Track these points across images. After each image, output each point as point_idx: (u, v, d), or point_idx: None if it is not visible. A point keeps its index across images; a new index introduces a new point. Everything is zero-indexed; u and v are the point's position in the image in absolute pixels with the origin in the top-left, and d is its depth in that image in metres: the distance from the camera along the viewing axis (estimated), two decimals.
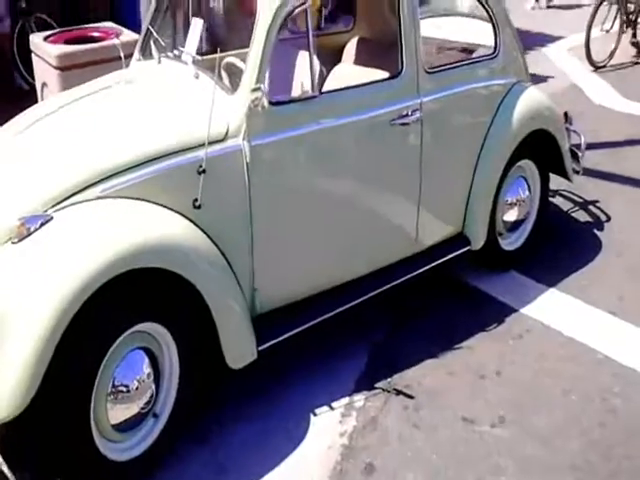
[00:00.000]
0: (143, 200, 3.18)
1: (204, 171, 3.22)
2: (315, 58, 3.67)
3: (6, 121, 3.88)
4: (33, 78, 6.47)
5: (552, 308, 4.47)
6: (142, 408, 3.13)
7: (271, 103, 3.40)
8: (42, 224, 2.96)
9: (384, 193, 3.98)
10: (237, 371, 3.41)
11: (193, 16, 3.95)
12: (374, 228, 3.98)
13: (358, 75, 4.10)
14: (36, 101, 5.88)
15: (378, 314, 4.35)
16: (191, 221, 3.26)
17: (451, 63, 4.37)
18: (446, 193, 4.35)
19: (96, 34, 6.25)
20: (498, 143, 4.47)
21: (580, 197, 5.79)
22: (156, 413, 3.24)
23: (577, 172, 5.15)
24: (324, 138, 3.65)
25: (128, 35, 6.02)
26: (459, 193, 4.44)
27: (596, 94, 8.30)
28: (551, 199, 5.61)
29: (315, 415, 3.61)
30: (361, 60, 4.66)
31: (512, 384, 3.85)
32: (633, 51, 9.62)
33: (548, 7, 12.77)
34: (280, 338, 3.54)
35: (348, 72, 4.37)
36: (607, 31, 9.39)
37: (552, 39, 10.57)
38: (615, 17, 9.43)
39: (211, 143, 3.25)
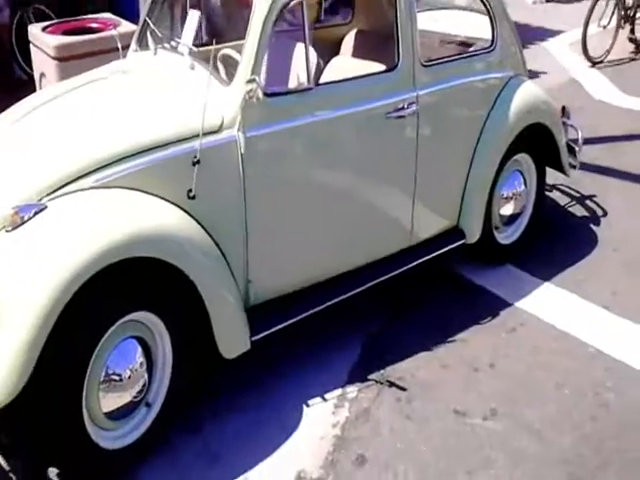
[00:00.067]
0: (137, 190, 3.19)
1: (198, 162, 3.23)
2: (312, 50, 3.69)
3: (4, 111, 3.89)
4: (32, 69, 6.48)
5: (546, 302, 4.49)
6: (134, 397, 3.15)
7: (266, 95, 3.40)
8: (36, 213, 2.98)
9: (379, 186, 3.99)
10: (231, 361, 3.43)
11: (190, 8, 3.96)
12: (369, 220, 4.00)
13: (355, 67, 4.12)
14: (34, 91, 5.88)
15: (373, 306, 4.37)
16: (185, 212, 3.27)
17: (448, 56, 4.39)
18: (442, 186, 4.36)
19: (94, 25, 6.27)
20: (494, 137, 4.48)
21: (577, 192, 5.80)
22: (149, 402, 3.26)
23: (574, 167, 5.15)
24: (320, 130, 3.66)
25: (126, 26, 6.03)
26: (455, 186, 4.46)
27: (596, 89, 8.30)
28: (548, 193, 5.63)
29: (308, 406, 3.64)
30: (359, 52, 4.67)
31: (505, 377, 3.87)
32: (631, 47, 9.60)
33: (548, 1, 12.75)
34: (273, 329, 3.56)
35: (345, 64, 4.39)
36: (604, 27, 9.37)
37: (552, 33, 10.57)
38: (612, 13, 9.41)
39: (206, 134, 3.26)
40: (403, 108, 3.94)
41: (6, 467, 3.15)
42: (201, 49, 3.83)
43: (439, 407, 3.66)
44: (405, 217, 4.18)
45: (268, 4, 3.43)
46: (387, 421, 3.56)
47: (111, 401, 3.08)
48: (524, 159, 4.86)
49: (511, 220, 4.90)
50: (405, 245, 4.25)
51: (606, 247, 5.09)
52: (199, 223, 3.31)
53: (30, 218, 2.97)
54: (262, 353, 3.66)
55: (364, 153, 3.86)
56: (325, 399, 3.68)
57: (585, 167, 5.94)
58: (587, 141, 5.78)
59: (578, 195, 5.77)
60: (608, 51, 9.21)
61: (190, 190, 3.25)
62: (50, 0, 7.92)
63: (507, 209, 4.82)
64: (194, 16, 3.84)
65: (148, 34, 4.07)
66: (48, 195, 3.07)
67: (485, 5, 4.54)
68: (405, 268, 4.19)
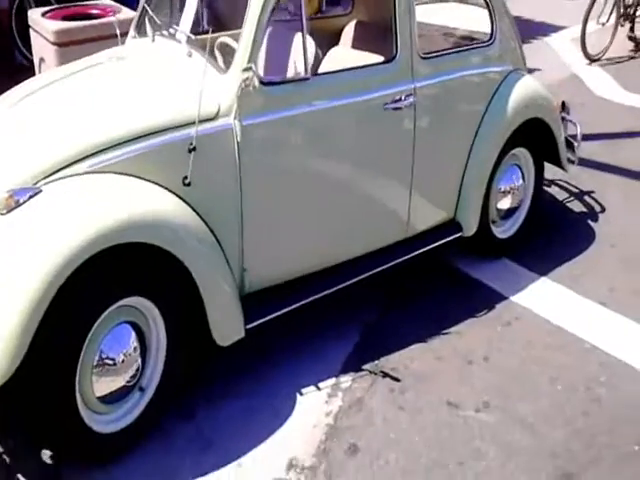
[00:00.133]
0: (132, 176, 3.21)
1: (194, 149, 3.26)
2: (310, 40, 3.72)
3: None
4: (32, 54, 6.49)
5: (542, 297, 4.52)
6: (128, 381, 3.18)
7: (263, 83, 3.44)
8: (30, 197, 3.01)
9: (376, 177, 4.02)
10: (226, 349, 3.46)
11: None
12: (365, 211, 4.02)
13: (353, 58, 4.14)
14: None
15: (369, 296, 4.41)
16: (180, 199, 3.30)
17: (447, 49, 4.41)
18: (439, 179, 4.39)
19: (94, 11, 6.30)
20: (492, 130, 4.51)
21: (575, 187, 5.83)
22: (142, 387, 3.29)
23: (572, 162, 5.17)
24: (316, 120, 3.68)
25: (126, 13, 6.05)
26: (452, 179, 4.48)
27: (597, 85, 8.32)
28: (546, 188, 5.67)
29: (301, 394, 3.67)
30: (358, 43, 4.69)
31: (499, 370, 3.90)
32: (630, 45, 9.60)
33: None
34: (268, 317, 3.59)
35: (343, 55, 4.41)
36: (603, 24, 9.35)
37: (555, 29, 10.57)
38: (611, 11, 9.39)
39: (202, 121, 3.29)
40: (400, 100, 3.96)
41: (0, 449, 3.18)
42: (199, 37, 3.85)
43: (432, 398, 3.69)
44: (402, 209, 4.20)
45: None
46: (380, 411, 3.59)
47: (104, 385, 3.11)
48: (522, 153, 4.88)
49: (508, 214, 4.93)
50: (401, 237, 4.28)
51: (604, 243, 5.12)
52: (194, 210, 3.33)
53: (25, 201, 3.01)
54: (257, 341, 3.69)
55: (361, 144, 3.89)
56: (319, 388, 3.71)
57: (584, 163, 5.96)
58: (587, 137, 5.80)
59: (576, 191, 5.79)
60: (606, 48, 9.23)
61: (186, 177, 3.28)
62: None
63: (504, 203, 4.84)
64: (192, 4, 3.86)
65: (146, 21, 4.11)
66: (43, 179, 3.09)
67: None
68: (401, 260, 4.22)
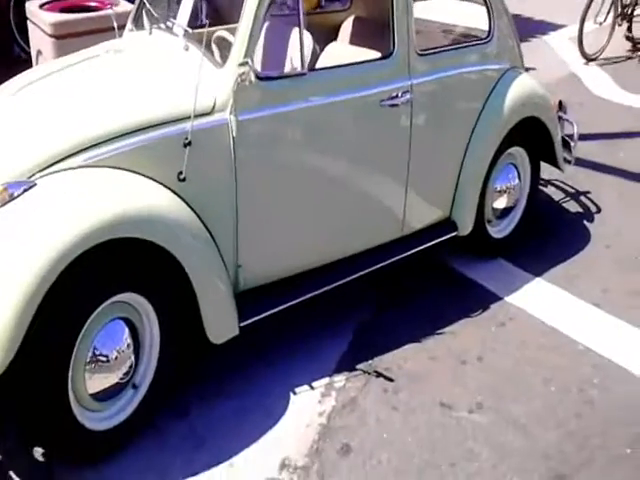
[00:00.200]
0: (127, 170, 3.21)
1: (190, 143, 3.25)
2: (308, 35, 3.73)
3: None
4: (29, 46, 6.47)
5: (537, 297, 4.54)
6: (121, 378, 3.18)
7: (259, 78, 3.44)
8: (25, 190, 3.00)
9: (372, 174, 4.03)
10: (219, 346, 3.47)
11: None
12: (361, 208, 4.03)
13: (350, 54, 4.14)
14: None
15: (364, 294, 4.43)
16: (175, 194, 3.29)
17: (444, 46, 4.43)
18: (434, 177, 4.40)
19: (92, 3, 6.29)
20: (488, 129, 4.52)
21: (572, 187, 5.85)
22: (135, 384, 3.29)
23: (569, 162, 5.19)
24: (313, 116, 3.69)
25: (124, 5, 6.03)
26: (448, 178, 4.49)
27: (595, 85, 8.34)
28: (542, 188, 5.68)
29: (295, 394, 3.68)
30: (356, 39, 4.70)
31: (493, 371, 3.91)
32: (627, 45, 9.61)
33: None
34: (262, 315, 3.60)
35: (341, 51, 4.41)
36: (600, 24, 9.37)
37: (554, 27, 10.59)
38: (609, 10, 9.41)
39: (198, 116, 3.28)
40: (397, 96, 3.97)
41: None
42: (196, 31, 3.84)
43: (425, 399, 3.70)
44: (397, 206, 4.21)
45: None
46: (373, 411, 3.61)
47: (97, 382, 3.11)
48: (518, 153, 4.90)
49: (504, 214, 4.95)
50: (397, 235, 4.29)
51: (599, 244, 5.14)
52: (189, 206, 3.33)
53: (19, 195, 3.00)
54: (251, 339, 3.71)
55: (357, 140, 3.90)
56: (312, 387, 3.72)
57: (581, 163, 5.97)
58: (584, 137, 5.80)
59: (573, 191, 5.82)
60: (604, 48, 9.24)
61: (181, 172, 3.28)
62: None
63: (500, 202, 4.86)
64: None
65: (144, 14, 4.10)
66: (38, 172, 3.09)
67: None
68: (397, 258, 4.24)
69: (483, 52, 4.55)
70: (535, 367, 3.94)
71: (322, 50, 4.47)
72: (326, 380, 3.77)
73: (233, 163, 3.42)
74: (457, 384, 3.80)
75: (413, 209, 4.29)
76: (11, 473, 3.04)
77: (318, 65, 4.17)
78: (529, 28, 10.22)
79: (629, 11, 9.58)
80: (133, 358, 3.22)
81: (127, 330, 3.20)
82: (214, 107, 3.38)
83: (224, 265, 3.45)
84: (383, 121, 3.98)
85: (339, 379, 3.78)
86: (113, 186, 3.15)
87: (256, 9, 3.43)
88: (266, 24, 4.16)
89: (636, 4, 9.61)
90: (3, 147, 3.28)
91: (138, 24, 4.19)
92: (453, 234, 4.53)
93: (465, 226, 4.56)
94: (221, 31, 3.93)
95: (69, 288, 2.92)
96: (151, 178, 3.26)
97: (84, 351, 3.04)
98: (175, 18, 3.89)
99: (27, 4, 6.34)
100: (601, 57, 9.19)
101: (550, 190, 5.78)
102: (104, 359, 3.10)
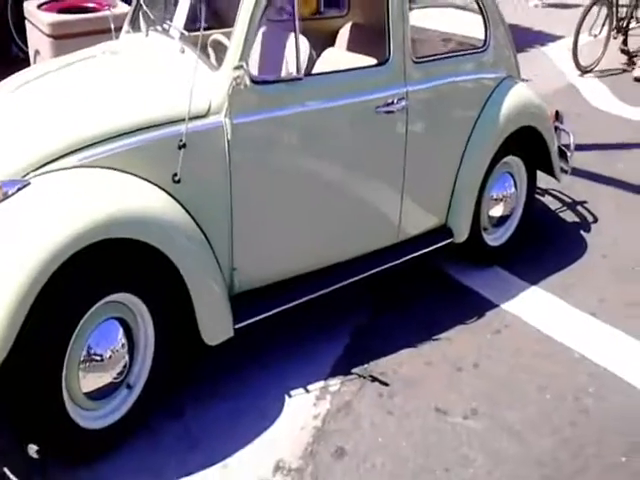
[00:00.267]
0: (122, 171, 3.25)
1: (184, 146, 3.29)
2: (304, 41, 3.80)
3: None
4: (27, 46, 6.51)
5: (532, 305, 4.58)
6: (115, 378, 3.22)
7: (254, 82, 3.49)
8: (19, 189, 3.03)
9: (367, 180, 4.07)
10: (215, 348, 3.51)
11: None
12: (356, 214, 4.08)
13: (347, 60, 4.21)
14: None
15: (361, 299, 4.48)
16: (170, 195, 3.33)
17: (440, 54, 4.48)
18: (430, 184, 4.45)
19: (91, 5, 6.34)
20: (484, 137, 4.57)
21: (569, 197, 5.91)
22: (130, 384, 3.32)
23: (565, 171, 5.24)
24: (308, 121, 3.74)
25: (122, 7, 6.09)
26: (444, 185, 4.55)
27: (593, 96, 8.43)
28: (540, 198, 5.73)
29: (290, 396, 3.72)
30: (353, 45, 4.76)
31: (488, 378, 3.95)
32: (622, 58, 9.70)
33: (549, 5, 12.83)
34: (257, 318, 3.63)
35: (337, 56, 4.47)
36: (595, 36, 9.47)
37: (553, 38, 10.69)
38: (604, 23, 9.51)
39: (193, 118, 3.33)
40: (393, 103, 4.01)
41: None
42: (192, 33, 3.87)
43: (420, 404, 3.73)
44: (393, 213, 4.26)
45: None
46: (368, 415, 3.64)
47: (91, 381, 3.15)
48: (515, 161, 4.95)
49: (500, 222, 5.00)
50: (392, 241, 4.34)
51: (595, 253, 5.19)
52: (184, 208, 3.37)
53: (13, 194, 3.03)
54: (247, 341, 3.76)
55: (352, 146, 3.95)
56: (307, 390, 3.76)
57: (578, 173, 6.03)
58: (582, 147, 5.85)
59: (569, 200, 5.87)
60: (598, 60, 9.32)
61: (175, 174, 3.31)
62: None
63: (496, 211, 4.91)
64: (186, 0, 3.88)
65: (141, 16, 4.15)
66: (33, 171, 3.12)
67: (479, 5, 4.63)
68: (392, 264, 4.28)
69: (479, 61, 4.61)
70: (530, 374, 3.97)
71: (319, 55, 4.50)
72: (321, 383, 3.81)
73: (228, 166, 3.46)
74: (452, 390, 3.84)
75: (409, 215, 4.34)
76: (5, 469, 3.05)
77: (315, 70, 4.22)
78: (528, 38, 10.31)
79: (624, 24, 9.68)
80: (127, 358, 3.26)
81: (121, 330, 3.23)
82: (209, 110, 3.43)
83: (219, 267, 3.50)
84: (378, 127, 4.03)
85: (334, 382, 3.82)
86: (107, 187, 3.19)
87: (251, 13, 3.49)
88: (264, 29, 4.24)
89: (631, 17, 9.71)
90: (1, 145, 3.30)
91: (135, 26, 4.26)
92: (449, 241, 4.57)
93: (461, 233, 4.60)
94: (217, 34, 3.98)
95: (62, 288, 2.95)
96: (146, 179, 3.30)
97: (78, 350, 3.07)
98: (172, 21, 3.93)
99: (25, 4, 6.41)
100: (596, 69, 9.28)
101: (547, 199, 5.84)
102: (98, 358, 3.14)
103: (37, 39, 6.08)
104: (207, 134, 3.41)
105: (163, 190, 3.32)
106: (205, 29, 3.47)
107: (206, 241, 3.43)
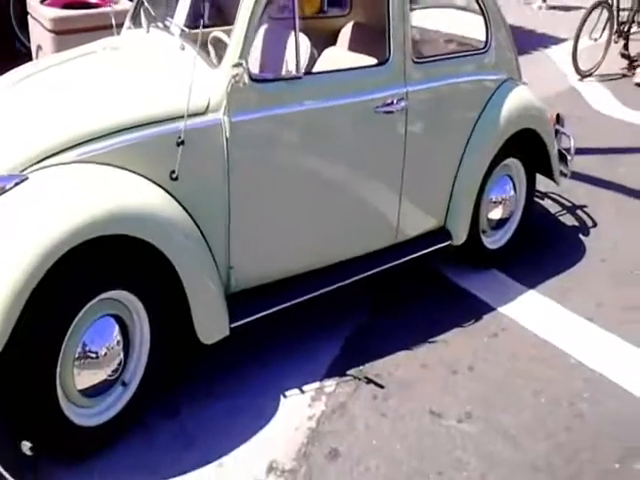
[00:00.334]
0: (120, 167, 3.26)
1: (183, 143, 3.31)
2: (305, 39, 3.82)
3: None
4: (30, 41, 6.52)
5: (530, 309, 4.60)
6: (110, 375, 3.23)
7: (253, 80, 3.50)
8: (16, 184, 3.05)
9: (365, 179, 4.09)
10: (212, 347, 3.53)
11: None
12: (354, 214, 4.10)
13: (347, 59, 4.24)
14: None
15: (358, 300, 4.51)
16: (167, 192, 3.35)
17: (440, 54, 4.50)
18: (429, 186, 4.47)
19: (93, 0, 6.32)
20: (484, 139, 4.59)
21: (569, 201, 5.94)
22: (125, 381, 3.34)
23: (565, 175, 5.26)
24: (307, 119, 3.76)
25: (124, 3, 6.10)
26: (442, 187, 4.57)
27: (595, 100, 8.46)
28: (539, 201, 5.75)
29: (285, 397, 3.74)
30: (354, 45, 4.78)
31: (483, 381, 3.97)
32: (622, 62, 9.70)
33: (553, 8, 12.83)
34: (253, 317, 3.65)
35: (338, 56, 4.50)
36: (595, 40, 9.48)
37: (556, 41, 10.71)
38: (604, 27, 9.52)
39: (192, 115, 3.35)
40: (392, 103, 4.03)
41: None
42: (193, 31, 3.88)
43: (415, 407, 3.76)
44: (391, 213, 4.28)
45: None
46: (362, 417, 3.66)
47: (86, 378, 3.16)
48: (514, 164, 4.97)
49: (499, 225, 5.02)
50: (390, 242, 4.36)
51: (594, 258, 5.21)
52: (181, 205, 3.39)
53: (10, 188, 3.05)
54: (244, 339, 3.78)
55: (351, 145, 3.97)
56: (303, 391, 3.78)
57: (579, 177, 6.05)
58: (583, 151, 5.85)
59: (569, 204, 5.90)
60: (599, 64, 9.34)
61: (173, 171, 3.33)
62: None
63: (495, 213, 4.93)
64: None
65: (142, 12, 4.17)
66: (31, 166, 3.14)
67: (480, 6, 4.65)
68: (390, 265, 4.30)
69: (480, 62, 4.64)
70: (526, 379, 3.99)
71: (320, 54, 4.51)
72: (317, 384, 3.83)
73: (226, 164, 3.48)
74: (447, 393, 3.86)
75: (407, 217, 4.36)
76: None
77: (315, 69, 4.25)
78: (531, 41, 10.33)
79: (626, 28, 9.67)
80: (122, 355, 3.27)
81: (117, 327, 3.25)
82: (208, 107, 3.44)
83: (216, 265, 3.52)
84: (377, 127, 4.05)
85: (330, 384, 3.85)
86: (105, 183, 3.21)
87: (251, 11, 3.51)
88: (265, 27, 4.25)
89: (633, 21, 9.71)
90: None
91: (136, 22, 4.29)
92: (447, 243, 4.60)
93: (459, 235, 4.62)
94: (217, 32, 3.99)
95: (58, 284, 2.97)
96: (143, 176, 3.32)
97: (73, 347, 3.09)
98: (172, 17, 3.94)
99: None
100: (595, 74, 9.28)
101: (547, 203, 5.87)
102: (93, 355, 3.15)
103: (39, 34, 6.10)
104: (206, 131, 3.43)
105: (161, 187, 3.34)
106: (207, 26, 3.49)
107: (203, 239, 3.45)
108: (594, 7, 9.18)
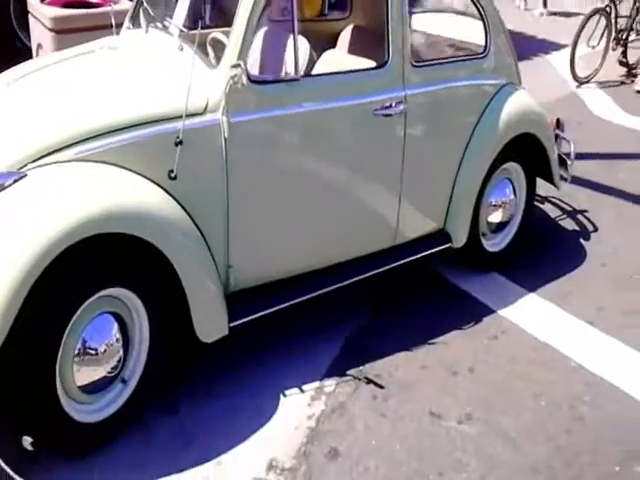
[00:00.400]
0: (118, 166, 3.29)
1: (181, 142, 3.34)
2: (303, 41, 3.88)
3: None
4: (30, 40, 6.56)
5: (530, 312, 4.63)
6: (109, 372, 3.27)
7: (252, 81, 3.53)
8: (15, 181, 3.08)
9: (364, 182, 4.13)
10: (211, 345, 3.56)
11: None
12: (353, 215, 4.13)
13: (346, 62, 4.29)
14: None
15: (359, 300, 4.54)
16: (166, 192, 3.38)
17: (439, 58, 4.55)
18: (428, 188, 4.50)
19: (93, 0, 6.34)
20: (483, 143, 4.62)
21: (569, 205, 5.98)
22: (124, 378, 3.38)
23: (565, 179, 5.29)
24: (305, 121, 3.80)
25: (124, 3, 6.14)
26: (442, 190, 4.60)
27: (596, 105, 8.49)
28: (540, 205, 5.77)
29: (285, 395, 3.77)
30: (353, 48, 4.83)
31: (483, 383, 4.00)
32: (620, 69, 9.74)
33: (554, 14, 12.87)
34: (252, 317, 3.68)
35: (337, 58, 4.55)
36: (593, 47, 9.54)
37: (557, 47, 10.76)
38: (602, 34, 9.56)
39: (190, 115, 3.38)
40: (391, 106, 4.06)
41: None
42: (192, 31, 3.90)
43: (415, 407, 3.78)
44: (390, 215, 4.32)
45: None
46: (362, 417, 3.69)
47: (85, 375, 3.19)
48: (514, 168, 5.01)
49: (499, 228, 5.06)
50: (390, 244, 4.40)
51: (594, 262, 5.24)
52: (180, 204, 3.42)
53: (9, 185, 3.08)
54: (244, 338, 3.82)
55: (349, 148, 4.01)
56: (302, 390, 3.81)
57: (579, 182, 6.08)
58: (583, 156, 5.87)
59: (570, 209, 5.94)
60: (596, 71, 9.38)
61: (172, 171, 3.36)
62: None
63: (495, 217, 4.97)
64: None
65: (141, 13, 4.21)
66: (29, 164, 3.16)
67: (479, 11, 4.69)
68: (389, 267, 4.33)
69: (479, 67, 4.67)
70: (526, 381, 4.02)
71: (320, 57, 4.53)
72: (316, 384, 3.86)
73: (224, 164, 3.52)
74: (447, 394, 3.89)
75: (406, 219, 4.39)
76: None
77: (314, 71, 4.29)
78: (532, 47, 10.38)
79: (624, 36, 9.71)
80: (122, 352, 3.31)
81: (116, 325, 3.28)
82: (206, 107, 3.48)
83: (215, 265, 3.55)
84: (376, 130, 4.09)
85: (329, 383, 3.88)
86: (103, 181, 3.24)
87: (250, 12, 3.55)
88: (265, 29, 4.29)
89: (631, 29, 9.75)
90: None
91: (135, 22, 4.35)
92: (447, 246, 4.62)
93: (459, 238, 4.66)
94: (216, 33, 4.02)
95: (56, 281, 3.00)
96: (142, 175, 3.35)
97: (72, 344, 3.12)
98: (172, 18, 3.97)
99: None
100: (593, 80, 9.32)
101: (547, 207, 5.91)
102: (93, 352, 3.18)
103: (39, 33, 6.16)
104: (204, 131, 3.46)
105: (159, 186, 3.37)
106: (206, 27, 3.51)
107: (202, 238, 3.49)
108: (592, 14, 9.25)
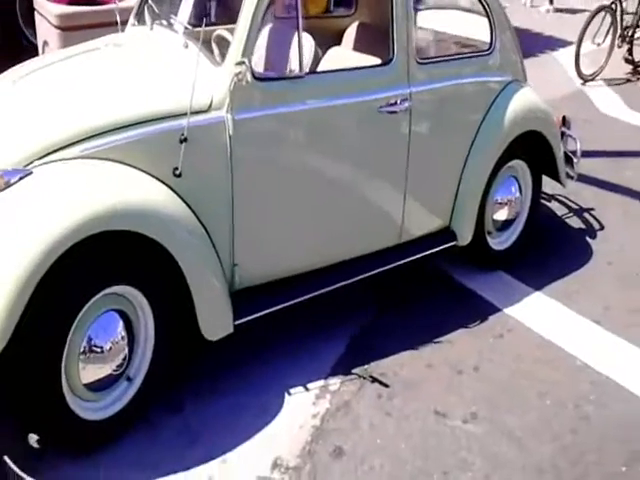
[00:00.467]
0: (123, 163, 3.31)
1: (186, 140, 3.35)
2: (308, 38, 3.89)
3: None
4: (36, 37, 6.58)
5: (536, 311, 4.64)
6: (115, 370, 3.29)
7: (256, 78, 3.55)
8: (21, 178, 3.10)
9: (369, 179, 4.14)
10: (216, 344, 3.59)
11: None
12: (358, 213, 4.15)
13: (351, 59, 4.31)
14: None
15: (364, 298, 4.55)
16: (171, 189, 3.40)
17: (445, 55, 4.55)
18: (434, 186, 4.52)
19: None
20: (488, 141, 4.63)
21: (576, 203, 5.98)
22: (130, 376, 3.40)
23: (571, 177, 5.29)
24: (309, 118, 3.81)
25: (129, 1, 6.10)
26: (447, 188, 4.61)
27: (603, 103, 8.48)
28: (546, 203, 5.78)
29: (290, 394, 3.79)
30: (359, 45, 4.84)
31: (489, 382, 4.01)
32: (625, 67, 9.71)
33: (561, 11, 12.84)
34: (257, 315, 3.69)
35: (342, 55, 4.57)
36: (598, 45, 9.52)
37: (563, 44, 10.74)
38: (608, 31, 9.54)
39: (195, 113, 3.40)
40: (396, 103, 4.07)
41: None
42: (196, 29, 3.92)
43: (420, 406, 3.80)
44: (396, 213, 4.33)
45: None
46: (367, 416, 3.71)
47: (91, 372, 3.22)
48: (520, 166, 5.01)
49: (505, 226, 5.06)
50: (395, 241, 4.41)
51: (601, 260, 5.25)
52: (184, 202, 3.43)
53: (15, 183, 3.10)
54: (249, 337, 3.83)
55: (354, 145, 4.02)
56: (307, 389, 3.83)
57: (586, 179, 6.08)
58: (590, 154, 5.86)
59: (576, 207, 5.95)
60: (602, 68, 9.36)
61: (176, 168, 3.38)
62: None
63: (501, 214, 4.97)
64: None
65: (146, 10, 4.23)
66: (35, 161, 3.18)
67: (485, 8, 4.69)
68: (394, 265, 4.34)
69: (484, 64, 4.68)
70: (531, 380, 4.03)
71: (325, 54, 4.54)
72: (321, 382, 3.88)
73: (229, 161, 3.53)
74: (452, 393, 3.90)
75: (411, 217, 4.41)
76: (6, 458, 3.12)
77: (319, 69, 4.31)
78: (538, 44, 10.36)
79: (630, 33, 9.67)
80: (127, 350, 3.33)
81: (121, 322, 3.30)
82: (211, 105, 3.50)
83: (220, 263, 3.57)
84: (381, 127, 4.10)
85: (334, 382, 3.89)
86: (108, 178, 3.26)
87: (254, 9, 3.56)
88: (270, 26, 4.29)
89: (637, 26, 9.71)
90: (1, 134, 3.39)
91: (140, 19, 4.37)
92: (452, 244, 4.64)
93: (464, 236, 4.66)
94: (221, 30, 4.02)
95: (62, 279, 3.02)
96: (147, 172, 3.37)
97: (78, 341, 3.15)
98: (176, 15, 3.98)
99: None
100: (598, 78, 9.29)
101: (553, 205, 5.92)
102: (98, 350, 3.21)
103: (46, 30, 6.18)
104: (209, 129, 3.48)
105: (164, 183, 3.39)
106: (211, 25, 3.51)
107: (207, 236, 3.51)
108: (597, 12, 9.22)
